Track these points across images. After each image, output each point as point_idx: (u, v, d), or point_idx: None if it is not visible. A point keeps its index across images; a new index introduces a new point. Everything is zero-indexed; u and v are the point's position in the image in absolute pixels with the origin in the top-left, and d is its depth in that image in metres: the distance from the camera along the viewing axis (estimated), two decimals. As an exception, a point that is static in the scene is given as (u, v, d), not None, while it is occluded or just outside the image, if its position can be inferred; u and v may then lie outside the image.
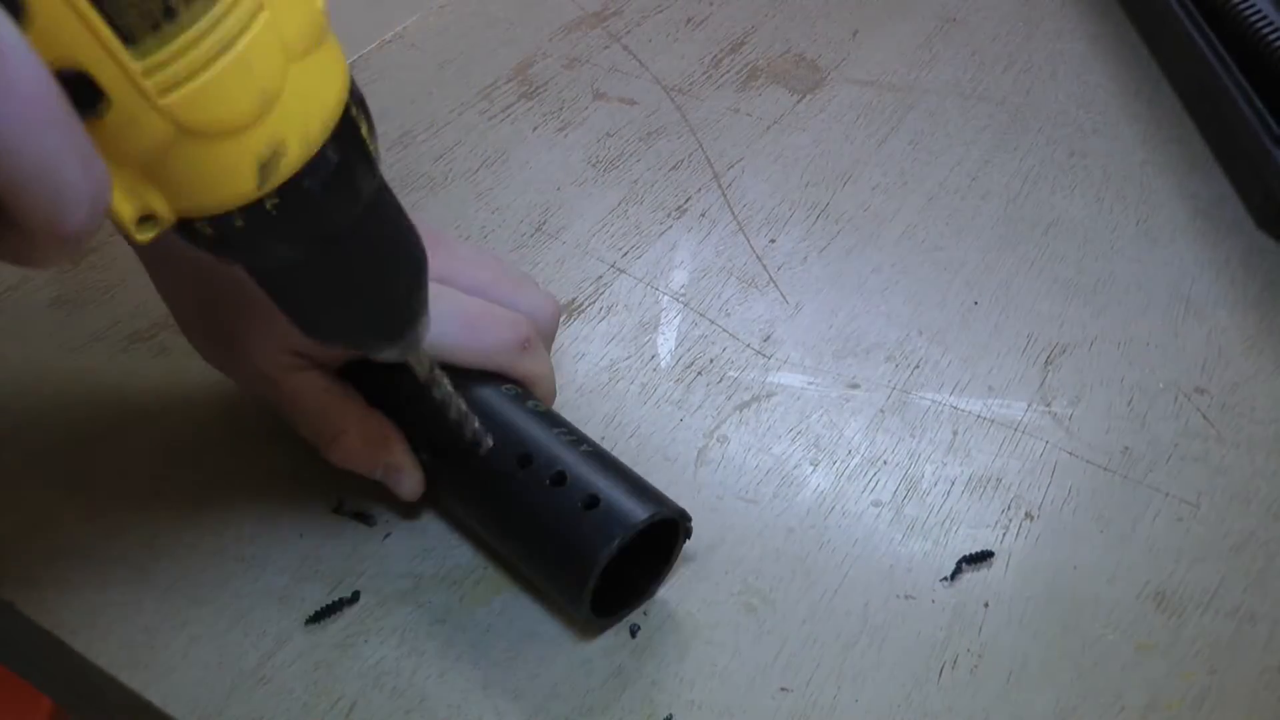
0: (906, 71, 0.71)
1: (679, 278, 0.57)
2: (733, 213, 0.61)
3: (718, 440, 0.49)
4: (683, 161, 0.64)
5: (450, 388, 0.41)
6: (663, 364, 0.53)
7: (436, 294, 0.40)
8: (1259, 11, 0.61)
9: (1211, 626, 0.43)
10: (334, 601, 0.42)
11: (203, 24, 0.28)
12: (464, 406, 0.42)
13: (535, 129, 0.66)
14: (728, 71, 0.71)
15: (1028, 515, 0.46)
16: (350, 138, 0.33)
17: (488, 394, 0.44)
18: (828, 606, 0.43)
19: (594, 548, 0.39)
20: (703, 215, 0.61)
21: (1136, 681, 0.41)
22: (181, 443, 0.49)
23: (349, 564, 0.44)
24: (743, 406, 0.51)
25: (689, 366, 0.52)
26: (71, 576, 0.44)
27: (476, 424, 0.42)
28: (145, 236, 0.30)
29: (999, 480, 0.48)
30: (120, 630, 0.42)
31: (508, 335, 0.45)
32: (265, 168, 0.30)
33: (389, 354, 0.38)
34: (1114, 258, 0.58)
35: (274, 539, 0.45)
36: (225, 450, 0.48)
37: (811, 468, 0.48)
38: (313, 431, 0.45)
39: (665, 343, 0.54)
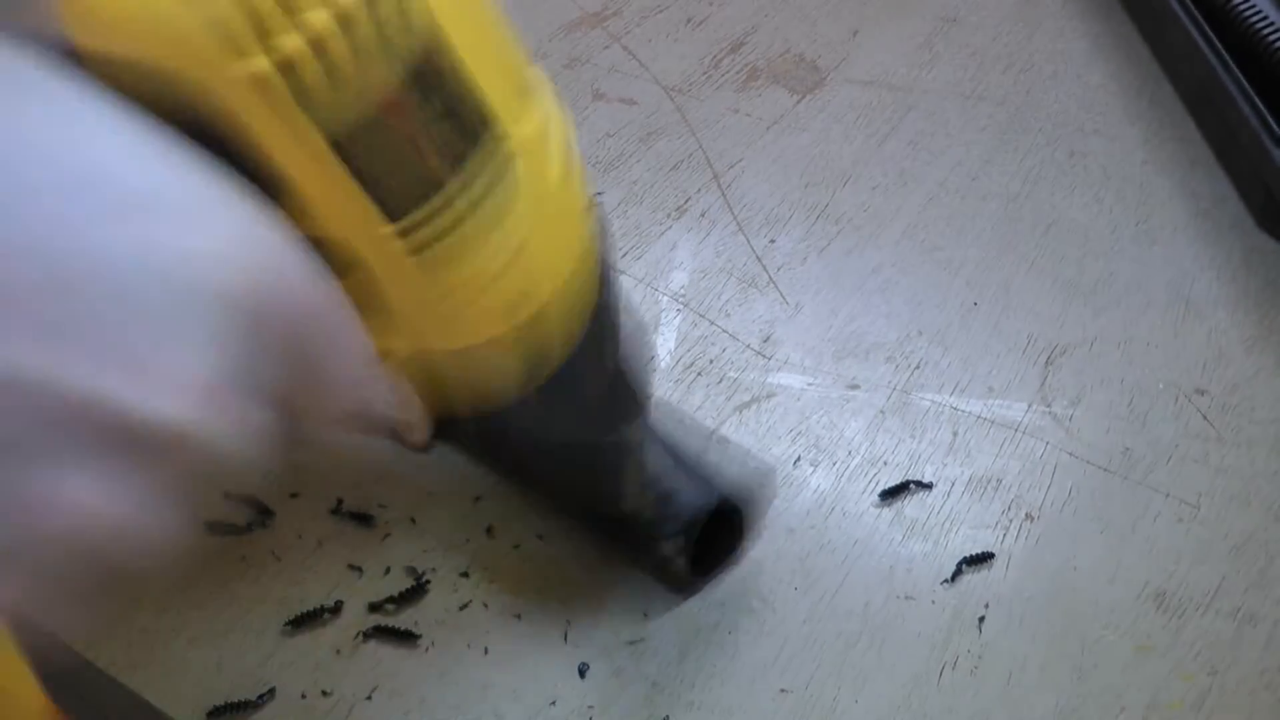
0: (906, 71, 0.71)
1: (679, 278, 0.57)
2: (733, 213, 0.61)
3: (718, 441, 0.49)
4: (683, 162, 0.64)
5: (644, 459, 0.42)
6: (662, 365, 0.53)
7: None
8: (1259, 12, 0.61)
9: (1211, 627, 0.43)
10: (315, 609, 0.42)
11: (457, 186, 0.27)
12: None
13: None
14: (728, 72, 0.71)
15: (1028, 516, 0.46)
16: (600, 322, 0.33)
17: None
18: (828, 607, 0.43)
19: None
20: (702, 215, 0.61)
21: (1136, 682, 0.41)
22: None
23: (348, 565, 0.44)
24: (743, 407, 0.51)
25: (689, 367, 0.52)
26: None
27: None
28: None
29: (999, 481, 0.48)
30: (120, 630, 0.42)
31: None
32: (533, 371, 0.31)
33: (612, 437, 0.39)
34: (1114, 258, 0.58)
35: (273, 540, 0.45)
36: (225, 451, 0.48)
37: (811, 468, 0.48)
38: (310, 388, 0.45)
39: (665, 343, 0.54)
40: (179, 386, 0.20)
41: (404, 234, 0.27)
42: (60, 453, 0.20)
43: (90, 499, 0.20)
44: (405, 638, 0.42)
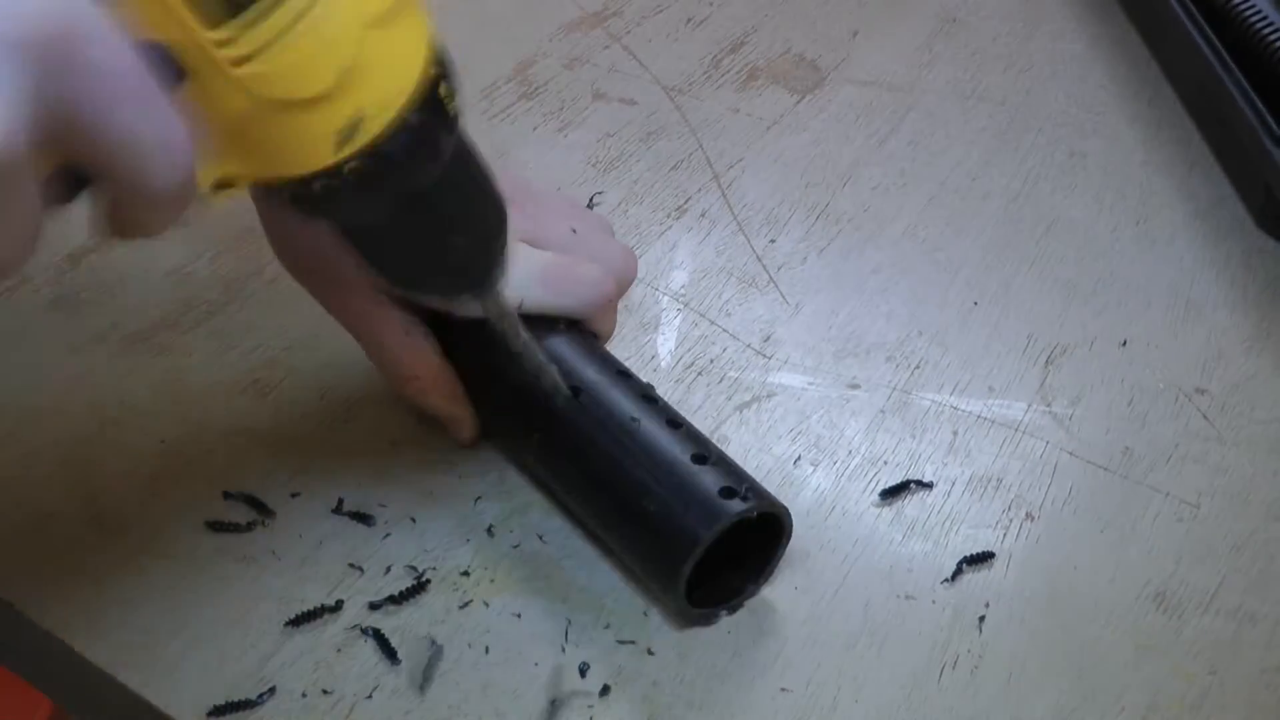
0: (906, 71, 0.71)
1: (679, 278, 0.57)
2: (733, 213, 0.61)
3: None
4: (683, 162, 0.64)
5: (527, 338, 0.42)
6: (663, 364, 0.53)
7: (520, 254, 0.42)
8: (1259, 12, 0.61)
9: (1211, 627, 0.43)
10: (316, 608, 0.42)
11: (286, 9, 0.28)
12: (541, 356, 0.42)
13: (535, 129, 0.66)
14: (728, 72, 0.71)
15: (1028, 516, 0.46)
16: (430, 101, 0.32)
17: (569, 346, 0.45)
18: (828, 607, 0.43)
19: (716, 511, 0.40)
20: (703, 215, 0.61)
21: (1136, 682, 0.41)
22: (181, 443, 0.48)
23: (348, 564, 0.44)
24: (743, 407, 0.51)
25: (689, 367, 0.52)
26: (71, 576, 0.44)
27: (556, 373, 0.43)
28: (220, 200, 0.31)
29: (999, 481, 0.48)
30: (120, 630, 0.42)
31: (594, 293, 0.47)
32: (343, 137, 0.30)
33: (469, 307, 0.40)
34: (1114, 258, 0.58)
35: (273, 539, 0.45)
36: (224, 451, 0.48)
37: (812, 468, 0.48)
38: (388, 368, 0.46)
39: (665, 343, 0.54)
40: None
41: (223, 44, 0.28)
42: None
43: None
44: (405, 637, 0.42)
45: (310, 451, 0.48)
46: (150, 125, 0.27)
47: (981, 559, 0.44)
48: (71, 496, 0.46)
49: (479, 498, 0.47)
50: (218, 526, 0.45)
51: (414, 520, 0.46)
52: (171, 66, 0.28)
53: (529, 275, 0.44)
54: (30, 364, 0.52)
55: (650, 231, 0.60)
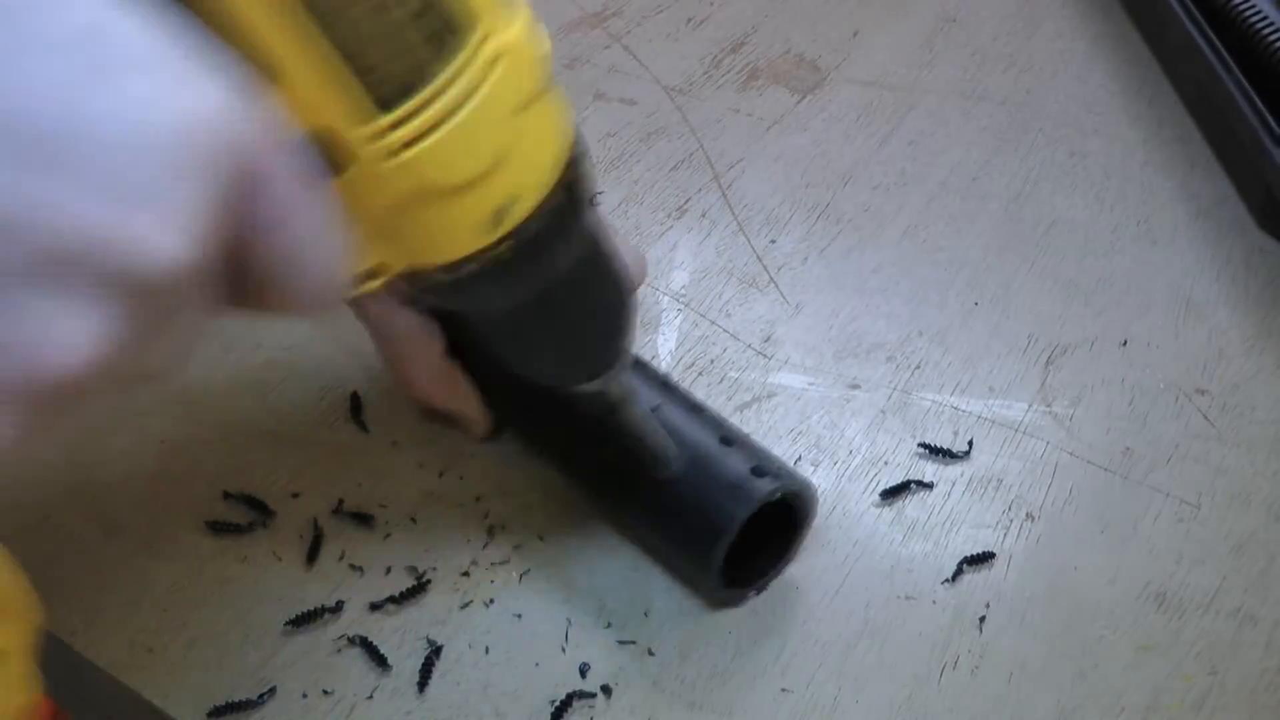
0: (906, 71, 0.71)
1: (679, 278, 0.57)
2: (733, 213, 0.61)
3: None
4: (683, 162, 0.64)
5: (639, 411, 0.41)
6: (663, 365, 0.53)
7: None
8: (1259, 12, 0.61)
9: (1212, 627, 0.43)
10: (316, 609, 0.42)
11: (441, 81, 0.27)
12: (659, 430, 0.42)
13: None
14: (728, 72, 0.71)
15: (1028, 516, 0.46)
16: (574, 180, 0.33)
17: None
18: (828, 607, 0.43)
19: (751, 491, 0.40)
20: (703, 216, 0.61)
21: (1137, 682, 0.41)
22: (181, 443, 0.48)
23: (349, 565, 0.44)
24: (743, 407, 0.51)
25: (690, 367, 0.52)
26: (72, 577, 0.44)
27: (668, 446, 0.42)
28: (370, 288, 0.31)
29: (1000, 481, 0.48)
30: (120, 630, 0.42)
31: None
32: (496, 220, 0.30)
33: (590, 387, 0.39)
34: (1114, 258, 0.58)
35: (273, 540, 0.45)
36: (224, 451, 0.48)
37: (812, 468, 0.48)
38: (395, 368, 0.47)
39: (666, 343, 0.54)
40: (168, 226, 0.22)
41: (392, 127, 0.27)
42: (54, 287, 0.21)
43: (81, 335, 0.22)
44: (405, 637, 0.42)
45: (310, 451, 0.48)
46: (320, 237, 0.26)
47: (982, 559, 0.44)
48: (71, 496, 0.46)
49: (479, 498, 0.47)
50: (218, 527, 0.45)
51: (414, 521, 0.46)
52: (326, 157, 0.27)
53: None
54: (30, 364, 0.52)
55: (650, 231, 0.59)
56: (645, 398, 0.43)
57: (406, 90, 0.27)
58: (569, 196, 0.33)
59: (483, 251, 0.31)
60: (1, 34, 0.20)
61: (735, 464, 0.42)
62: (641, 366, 0.46)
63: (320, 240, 0.26)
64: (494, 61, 0.28)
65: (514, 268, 0.32)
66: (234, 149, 0.23)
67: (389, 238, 0.30)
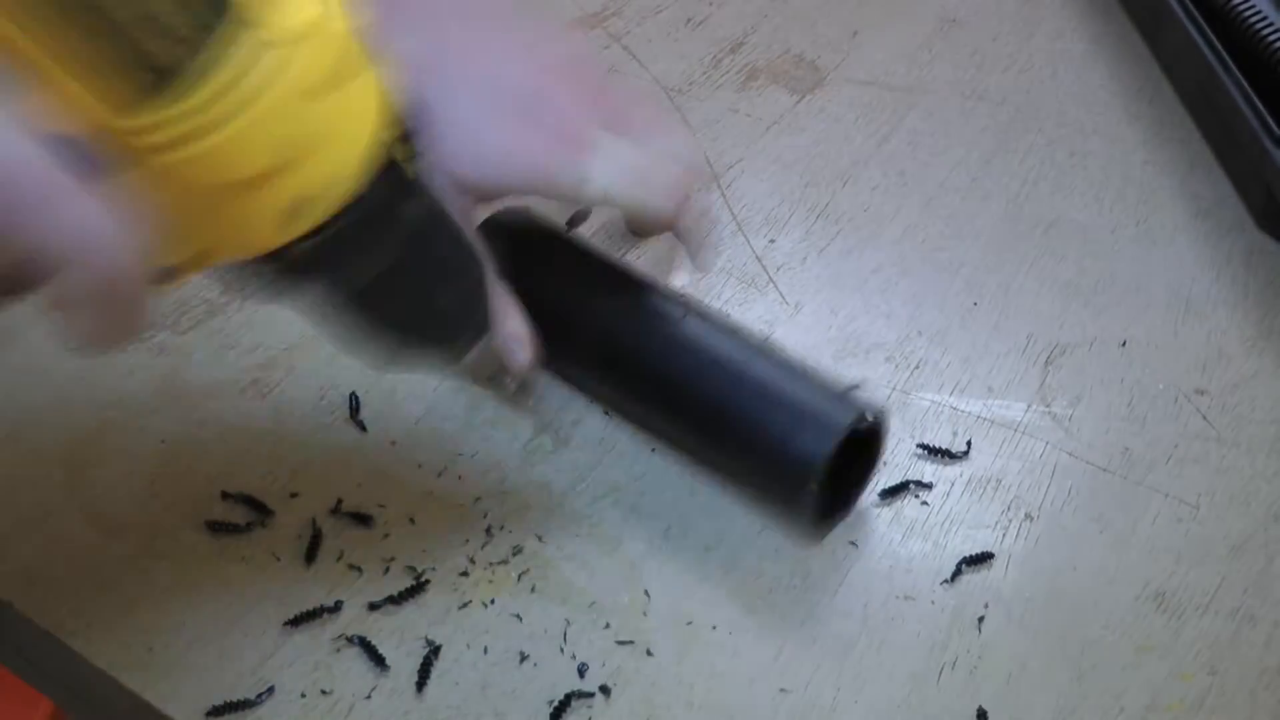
0: (906, 71, 0.71)
1: (679, 278, 0.57)
2: (732, 213, 0.61)
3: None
4: (683, 162, 0.64)
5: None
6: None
7: (607, 145, 0.42)
8: (1259, 12, 0.61)
9: (1211, 628, 0.43)
10: (315, 609, 0.42)
11: (210, 71, 0.26)
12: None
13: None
14: (728, 72, 0.71)
15: (1027, 516, 0.46)
16: (386, 171, 0.31)
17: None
18: (827, 607, 0.43)
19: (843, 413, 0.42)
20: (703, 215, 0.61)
21: (1136, 683, 0.41)
22: (181, 443, 0.48)
23: (348, 565, 0.44)
24: (742, 407, 0.51)
25: (689, 367, 0.52)
26: (71, 576, 0.44)
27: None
28: (179, 283, 0.30)
29: (999, 481, 0.48)
30: (120, 630, 0.42)
31: (675, 190, 0.46)
32: (287, 218, 0.29)
33: (443, 365, 0.38)
34: (1114, 258, 0.58)
35: (273, 540, 0.45)
36: (224, 451, 0.48)
37: (811, 468, 0.48)
38: None
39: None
40: None
41: (140, 133, 0.26)
42: None
43: None
44: (405, 637, 0.42)
45: (310, 451, 0.48)
46: (64, 225, 0.26)
47: (981, 559, 0.44)
48: (72, 496, 0.46)
49: (478, 498, 0.47)
50: (217, 527, 0.45)
51: (413, 521, 0.46)
52: (88, 159, 0.26)
53: (618, 170, 0.43)
54: (30, 364, 0.52)
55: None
56: (717, 333, 0.44)
57: (170, 82, 0.25)
58: (382, 188, 0.30)
59: (287, 248, 0.29)
60: None
61: (817, 395, 0.43)
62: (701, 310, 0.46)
63: (73, 230, 0.26)
64: (268, 47, 0.26)
65: (316, 266, 0.31)
66: None
67: (193, 233, 0.29)
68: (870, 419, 0.42)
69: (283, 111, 0.27)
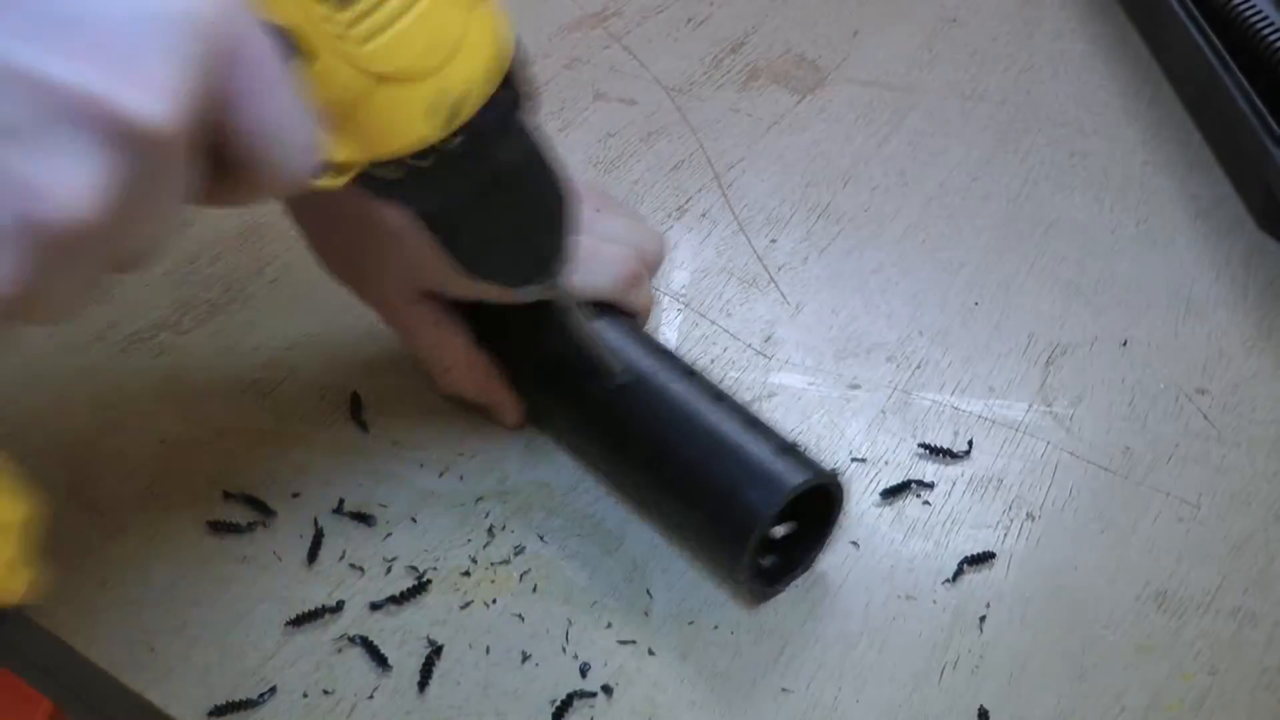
0: (906, 71, 0.71)
1: (679, 278, 0.57)
2: (733, 213, 0.61)
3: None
4: (683, 162, 0.64)
5: (589, 322, 0.43)
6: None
7: None
8: (1259, 12, 0.61)
9: (1212, 627, 0.43)
10: (316, 608, 0.42)
11: None
12: (603, 342, 0.43)
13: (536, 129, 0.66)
14: (728, 72, 0.71)
15: (1029, 516, 0.46)
16: (516, 78, 0.35)
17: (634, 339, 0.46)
18: (828, 607, 0.43)
19: (783, 482, 0.40)
20: (703, 215, 0.61)
21: (1137, 682, 0.41)
22: (181, 443, 0.48)
23: (349, 565, 0.44)
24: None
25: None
26: (71, 576, 0.44)
27: (615, 358, 0.44)
28: (336, 183, 0.32)
29: (1000, 481, 0.48)
30: (120, 630, 0.42)
31: (618, 271, 0.48)
32: (452, 111, 0.32)
33: (534, 292, 0.40)
34: (1114, 258, 0.58)
35: (274, 539, 0.45)
36: (224, 451, 0.48)
37: (812, 468, 0.48)
38: (424, 360, 0.48)
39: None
40: (155, 88, 0.25)
41: (353, 21, 0.29)
42: (52, 142, 0.24)
43: (77, 187, 0.25)
44: (406, 637, 0.42)
45: (310, 451, 0.48)
46: (293, 114, 0.29)
47: (982, 559, 0.44)
48: (72, 496, 0.46)
49: (480, 498, 0.47)
50: (218, 527, 0.45)
51: (415, 520, 0.46)
52: (294, 50, 0.29)
53: None
54: (30, 363, 0.52)
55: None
56: (676, 390, 0.44)
57: None
58: (513, 93, 0.35)
59: (437, 145, 0.33)
60: None
61: (763, 457, 0.41)
62: (668, 355, 0.46)
63: (293, 113, 0.29)
64: None
65: (465, 160, 0.34)
66: (215, 25, 0.26)
67: (351, 131, 0.31)
68: (814, 483, 0.41)
69: (456, 14, 0.31)
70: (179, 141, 0.26)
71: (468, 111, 0.33)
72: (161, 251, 0.30)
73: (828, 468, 0.42)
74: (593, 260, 0.46)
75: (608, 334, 0.46)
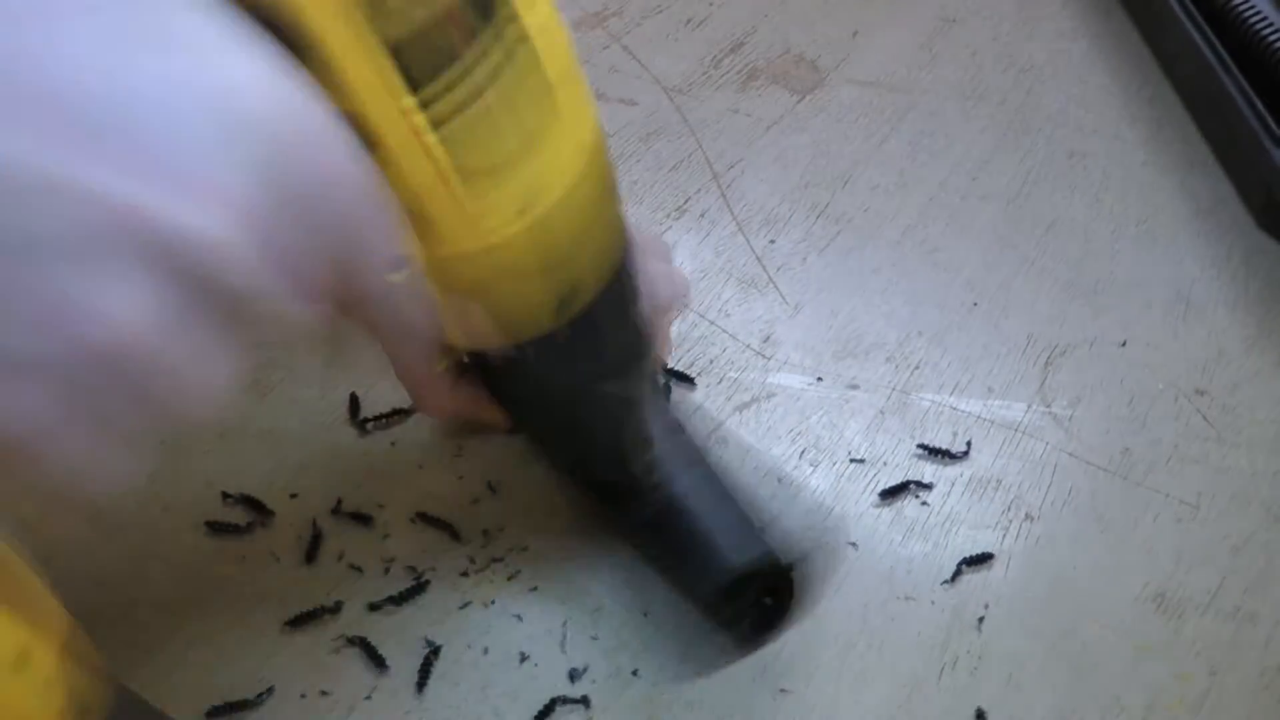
0: (906, 71, 0.71)
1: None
2: (732, 213, 0.61)
3: (717, 441, 0.49)
4: (682, 162, 0.64)
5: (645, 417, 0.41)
6: (663, 365, 0.52)
7: None
8: (1259, 12, 0.61)
9: (1211, 628, 0.43)
10: (315, 609, 0.42)
11: (470, 60, 0.28)
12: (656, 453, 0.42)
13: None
14: (728, 72, 0.71)
15: (1027, 516, 0.46)
16: (628, 272, 0.34)
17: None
18: (827, 607, 0.43)
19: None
20: (702, 216, 0.61)
21: (1136, 683, 0.41)
22: (181, 443, 0.48)
23: (348, 565, 0.44)
24: (742, 407, 0.51)
25: (689, 367, 0.52)
26: (72, 577, 0.44)
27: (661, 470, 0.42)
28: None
29: (999, 481, 0.48)
30: (120, 630, 0.42)
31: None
32: (563, 303, 0.32)
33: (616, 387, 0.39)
34: (1114, 258, 0.58)
35: (273, 540, 0.45)
36: (224, 451, 0.48)
37: (811, 468, 0.48)
38: (404, 384, 0.46)
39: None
40: (216, 204, 0.21)
41: (424, 105, 0.27)
42: (101, 262, 0.20)
43: (127, 314, 0.21)
44: (405, 637, 0.42)
45: (310, 451, 0.48)
46: (376, 200, 0.24)
47: (981, 560, 0.44)
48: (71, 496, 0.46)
49: (477, 499, 0.47)
50: (217, 527, 0.45)
51: (413, 521, 0.46)
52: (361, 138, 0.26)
53: None
54: (30, 364, 0.52)
55: (650, 232, 0.59)
56: (682, 483, 0.42)
57: (437, 69, 0.27)
58: (624, 285, 0.34)
59: (544, 336, 0.32)
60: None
61: (731, 519, 0.41)
62: (678, 433, 0.44)
63: (390, 233, 0.25)
64: (521, 40, 0.29)
65: (571, 350, 0.34)
66: (276, 122, 0.22)
67: (417, 219, 0.29)
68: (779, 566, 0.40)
69: (527, 96, 0.29)
70: (236, 258, 0.22)
71: (579, 305, 0.32)
72: (225, 402, 0.24)
73: (786, 552, 0.41)
74: None
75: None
